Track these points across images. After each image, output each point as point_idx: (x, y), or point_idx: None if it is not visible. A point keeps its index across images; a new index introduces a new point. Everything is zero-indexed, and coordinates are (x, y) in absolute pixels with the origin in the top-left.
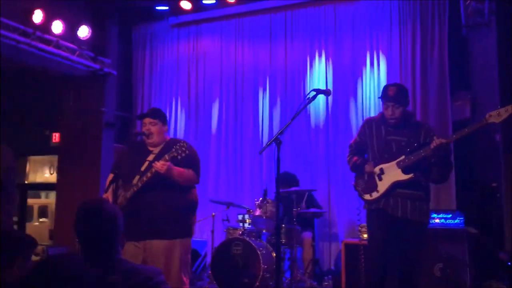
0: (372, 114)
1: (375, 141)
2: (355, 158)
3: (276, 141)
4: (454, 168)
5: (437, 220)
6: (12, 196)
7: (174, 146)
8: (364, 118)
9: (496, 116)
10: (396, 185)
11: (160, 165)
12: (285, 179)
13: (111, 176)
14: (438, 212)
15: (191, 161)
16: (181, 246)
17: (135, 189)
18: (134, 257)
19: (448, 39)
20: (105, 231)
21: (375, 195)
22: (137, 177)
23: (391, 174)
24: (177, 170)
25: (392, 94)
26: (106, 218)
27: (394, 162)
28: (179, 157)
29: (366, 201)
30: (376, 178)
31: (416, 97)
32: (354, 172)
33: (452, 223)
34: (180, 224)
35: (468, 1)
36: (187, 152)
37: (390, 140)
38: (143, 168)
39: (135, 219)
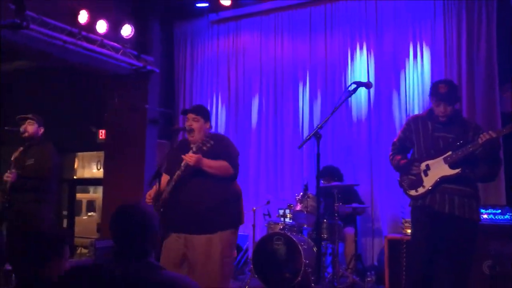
0: (416, 107)
1: (422, 138)
2: (399, 157)
3: (316, 135)
4: (504, 162)
5: (485, 216)
6: (53, 194)
7: (204, 139)
8: (408, 113)
9: None
10: (442, 180)
11: (188, 157)
12: (328, 173)
13: (164, 176)
14: (486, 208)
15: (224, 152)
16: (221, 240)
17: (173, 183)
18: (175, 249)
19: (496, 29)
20: (134, 233)
21: (421, 190)
22: (178, 172)
23: (438, 169)
24: (206, 161)
25: (444, 91)
26: (135, 221)
27: (441, 158)
28: (204, 147)
29: (412, 197)
30: (422, 174)
31: (462, 89)
32: (399, 171)
33: (501, 219)
34: (219, 216)
35: None
36: (211, 142)
37: (437, 137)
38: (182, 164)
39: (174, 212)
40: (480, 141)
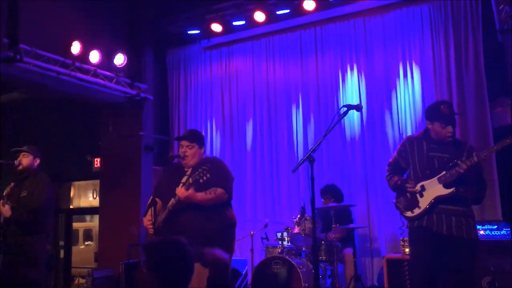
0: (408, 126)
1: (417, 158)
2: (396, 178)
3: (309, 158)
4: (498, 177)
5: (482, 232)
6: (48, 226)
7: (198, 170)
8: (401, 132)
9: None
10: (438, 200)
11: (180, 193)
12: (329, 191)
13: (151, 199)
14: (483, 224)
15: (218, 179)
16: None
17: (167, 212)
18: None
19: (483, 45)
20: None
21: (416, 211)
22: (172, 200)
23: (433, 189)
24: (199, 196)
25: (449, 112)
26: None
27: (435, 178)
28: (201, 180)
29: (408, 218)
30: (418, 195)
31: (453, 106)
32: (395, 192)
33: (498, 235)
34: (211, 245)
35: (502, 6)
36: (208, 176)
37: (433, 157)
38: (176, 197)
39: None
40: (464, 166)
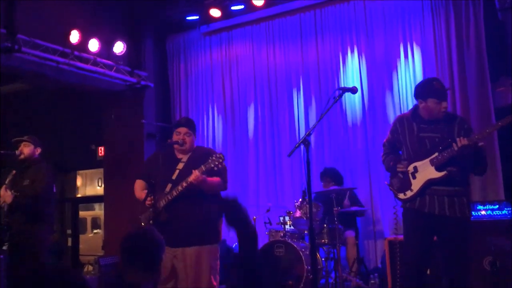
0: (409, 107)
1: (408, 139)
2: (389, 157)
3: (305, 142)
4: (501, 157)
5: (483, 212)
6: (50, 215)
7: (211, 157)
8: (396, 116)
9: None
10: (430, 183)
11: (195, 177)
12: (328, 175)
13: (139, 182)
14: (484, 204)
15: (222, 170)
16: (210, 252)
17: (170, 198)
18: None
19: (484, 24)
20: None
21: (409, 193)
22: (169, 186)
23: (425, 172)
24: (209, 181)
25: (441, 87)
26: None
27: (427, 160)
28: (215, 168)
29: (401, 200)
30: (410, 176)
31: (455, 86)
32: (389, 172)
33: (499, 215)
34: (210, 231)
35: None
36: (223, 164)
37: (423, 137)
38: (174, 177)
39: (168, 227)
40: (455, 147)
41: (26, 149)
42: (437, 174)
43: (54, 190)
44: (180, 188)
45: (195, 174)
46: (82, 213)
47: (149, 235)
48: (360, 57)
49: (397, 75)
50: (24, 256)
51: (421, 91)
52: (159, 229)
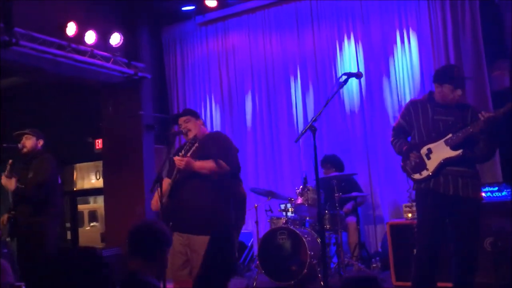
0: (407, 92)
1: (422, 122)
2: (401, 141)
3: (311, 128)
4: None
5: (483, 194)
6: (57, 207)
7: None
8: (400, 99)
9: None
10: (446, 162)
11: (178, 161)
12: (329, 162)
13: (165, 180)
14: (483, 186)
15: (217, 150)
16: (203, 243)
17: (170, 187)
18: (179, 251)
19: (479, 9)
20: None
21: (425, 173)
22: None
23: (440, 152)
24: (198, 163)
25: (461, 76)
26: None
27: (442, 141)
28: (193, 148)
29: (416, 180)
30: (425, 157)
31: None
32: (401, 156)
33: (499, 196)
34: (217, 220)
35: None
36: (196, 144)
37: (438, 120)
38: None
39: (174, 214)
40: (482, 119)
41: (28, 142)
42: (453, 153)
43: (60, 181)
44: (174, 176)
45: (177, 158)
46: (79, 207)
47: (153, 227)
48: (356, 43)
49: (394, 61)
50: (32, 248)
51: (439, 76)
52: (165, 215)
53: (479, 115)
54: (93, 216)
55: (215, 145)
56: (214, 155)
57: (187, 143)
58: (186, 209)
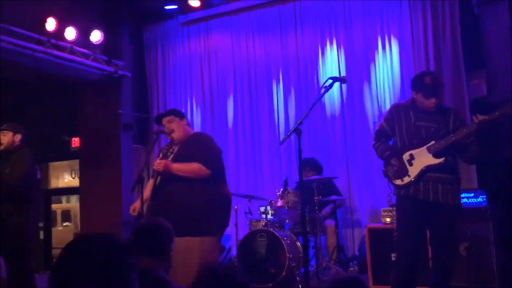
0: (387, 98)
1: (404, 127)
2: (383, 146)
3: (297, 131)
4: None
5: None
6: (35, 204)
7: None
8: (380, 105)
9: None
10: (427, 169)
11: (157, 164)
12: (307, 165)
13: (150, 181)
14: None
15: (198, 152)
16: (202, 245)
17: (151, 189)
18: None
19: (459, 18)
20: None
21: (406, 179)
22: (159, 178)
23: (422, 158)
24: (176, 165)
25: (432, 83)
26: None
27: (424, 147)
28: (168, 153)
29: (397, 186)
30: (407, 163)
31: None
32: (383, 160)
33: (475, 202)
34: (202, 222)
35: None
36: (203, 146)
37: (420, 126)
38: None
39: (156, 216)
40: (476, 120)
41: (5, 138)
42: (435, 161)
43: (38, 176)
44: (154, 179)
45: (156, 162)
46: (52, 206)
47: (158, 224)
48: (338, 49)
49: (375, 67)
50: (12, 244)
51: (413, 83)
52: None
53: (473, 117)
54: (66, 216)
55: (196, 147)
56: (195, 158)
57: (167, 145)
58: (168, 212)
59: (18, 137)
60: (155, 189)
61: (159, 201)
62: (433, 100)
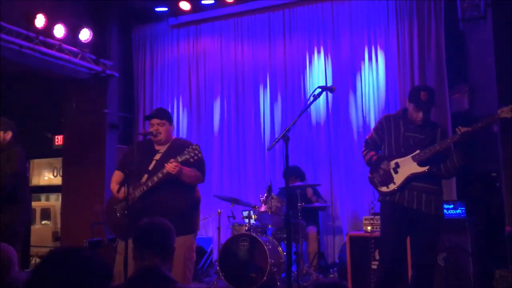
0: (371, 108)
1: (393, 136)
2: (372, 153)
3: (284, 137)
4: None
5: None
6: (25, 203)
7: (187, 149)
8: (364, 115)
9: (508, 111)
10: (412, 177)
11: (172, 167)
12: (293, 173)
13: (117, 173)
14: None
15: (199, 162)
16: (184, 243)
17: (145, 188)
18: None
19: (444, 33)
20: None
21: (392, 187)
22: (145, 176)
23: (407, 166)
24: (186, 171)
25: (425, 99)
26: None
27: (409, 156)
28: (191, 159)
29: (382, 193)
30: (392, 171)
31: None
32: (369, 167)
33: (454, 213)
34: (184, 222)
35: None
36: (199, 155)
37: (408, 136)
38: (151, 167)
39: (142, 217)
40: (458, 132)
41: None
42: (420, 169)
43: (28, 174)
44: (155, 178)
45: (172, 164)
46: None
47: (161, 223)
48: (326, 58)
49: (361, 77)
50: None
51: (410, 93)
52: (134, 219)
53: (456, 129)
54: (45, 214)
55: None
56: (195, 166)
57: (144, 144)
58: (156, 214)
59: (9, 134)
60: (147, 190)
61: (147, 201)
62: (420, 114)
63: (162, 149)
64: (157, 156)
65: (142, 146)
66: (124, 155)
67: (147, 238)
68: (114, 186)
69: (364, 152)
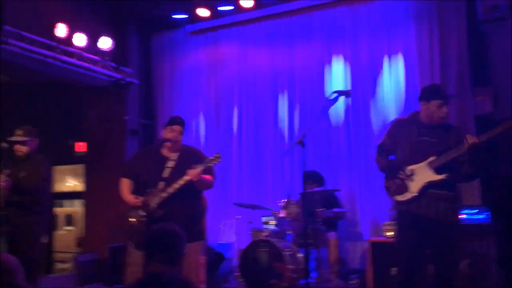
0: (392, 114)
1: (406, 141)
2: (385, 160)
3: (301, 143)
4: None
5: (463, 216)
6: (47, 208)
7: (210, 157)
8: (385, 120)
9: None
10: (429, 185)
11: (195, 174)
12: (310, 178)
13: (125, 181)
14: (463, 208)
15: (212, 167)
16: (199, 248)
17: (165, 195)
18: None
19: (466, 35)
20: None
21: (407, 195)
22: (162, 183)
23: (423, 174)
24: (204, 179)
25: (446, 93)
26: None
27: (425, 163)
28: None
29: (398, 202)
30: (408, 179)
31: None
32: (384, 173)
33: (478, 218)
34: (198, 228)
35: None
36: (219, 159)
37: (421, 141)
38: (165, 175)
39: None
40: (466, 143)
41: (22, 148)
42: (437, 177)
43: (51, 181)
44: (176, 186)
45: (196, 172)
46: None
47: (171, 229)
48: (345, 63)
49: (381, 83)
50: (23, 248)
51: (426, 93)
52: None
53: (465, 139)
54: (68, 220)
55: (200, 161)
56: (208, 172)
57: (155, 149)
58: (176, 222)
59: (35, 142)
60: (168, 197)
61: (166, 208)
62: (445, 109)
63: (174, 156)
64: (171, 164)
65: (149, 154)
66: (129, 162)
67: (157, 243)
68: (127, 195)
69: (377, 159)
